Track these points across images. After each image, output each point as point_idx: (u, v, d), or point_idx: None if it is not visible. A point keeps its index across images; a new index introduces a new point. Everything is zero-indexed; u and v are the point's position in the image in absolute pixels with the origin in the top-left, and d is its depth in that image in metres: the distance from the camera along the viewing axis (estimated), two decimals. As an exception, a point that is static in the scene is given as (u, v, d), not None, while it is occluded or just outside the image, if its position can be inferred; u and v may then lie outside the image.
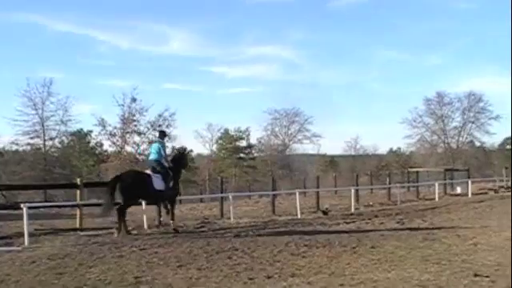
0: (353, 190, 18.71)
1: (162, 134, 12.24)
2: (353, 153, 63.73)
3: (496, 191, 25.50)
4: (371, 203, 20.28)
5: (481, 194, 24.94)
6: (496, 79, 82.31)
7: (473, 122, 53.28)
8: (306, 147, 59.28)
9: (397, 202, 20.24)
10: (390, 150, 68.78)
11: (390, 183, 23.91)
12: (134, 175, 10.95)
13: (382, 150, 67.73)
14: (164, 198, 11.24)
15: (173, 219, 11.37)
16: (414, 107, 54.66)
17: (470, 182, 24.57)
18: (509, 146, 68.20)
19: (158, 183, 10.89)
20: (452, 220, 12.58)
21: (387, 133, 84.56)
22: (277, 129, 58.25)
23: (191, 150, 14.97)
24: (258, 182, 49.56)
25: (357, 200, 20.22)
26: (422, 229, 10.95)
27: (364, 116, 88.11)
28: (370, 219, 13.58)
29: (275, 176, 36.12)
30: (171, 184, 11.18)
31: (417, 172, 28.48)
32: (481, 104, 53.01)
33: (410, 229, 10.94)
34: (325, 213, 16.15)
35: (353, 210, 17.30)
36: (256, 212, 17.59)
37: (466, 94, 53.27)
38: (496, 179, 30.60)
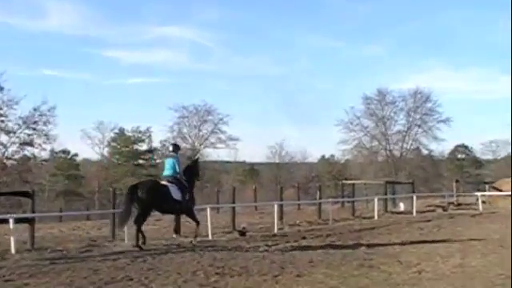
0: (276, 206, 19.14)
1: (176, 148, 14.21)
2: (277, 160, 65.02)
3: (445, 209, 27.43)
4: (298, 222, 20.92)
5: (427, 211, 26.74)
6: (446, 75, 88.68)
7: (419, 126, 56.68)
8: (220, 153, 59.90)
9: (329, 220, 21.06)
10: (322, 158, 71.18)
11: (320, 198, 24.82)
12: (152, 184, 13.23)
13: (313, 157, 69.84)
14: (182, 209, 13.58)
15: (196, 236, 13.82)
16: (350, 107, 57.08)
17: (415, 198, 26.17)
18: (460, 155, 73.87)
19: (175, 193, 13.13)
20: (393, 243, 13.41)
21: (319, 137, 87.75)
22: (185, 130, 58.20)
23: (197, 158, 17.49)
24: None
25: (281, 218, 20.71)
26: (357, 253, 11.56)
27: (291, 116, 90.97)
28: (296, 241, 14.08)
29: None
30: (187, 196, 13.45)
31: (353, 185, 29.92)
32: (428, 104, 56.43)
33: (344, 253, 11.50)
34: (242, 233, 16.39)
35: (276, 230, 17.72)
36: (157, 232, 17.54)
37: (412, 92, 56.49)
38: (445, 194, 32.94)
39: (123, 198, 12.83)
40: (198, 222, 13.81)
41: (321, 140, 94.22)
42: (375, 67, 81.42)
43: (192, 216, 13.80)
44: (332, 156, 68.56)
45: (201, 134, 58.24)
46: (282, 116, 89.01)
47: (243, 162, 63.88)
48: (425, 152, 59.07)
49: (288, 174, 62.55)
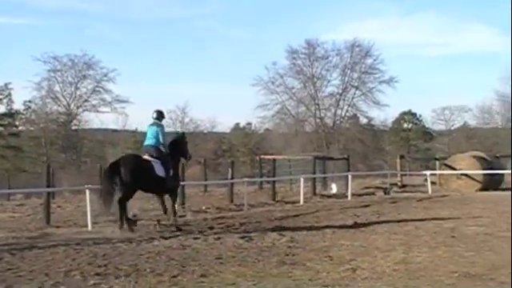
0: (177, 187, 19.11)
1: (160, 115, 15.40)
2: (179, 129, 64.59)
3: (386, 191, 28.45)
4: (204, 208, 21.00)
5: (365, 194, 27.65)
6: (392, 23, 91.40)
7: (357, 88, 58.22)
8: (104, 118, 59.03)
9: (243, 206, 21.24)
10: (236, 127, 71.62)
11: (233, 177, 24.96)
12: (134, 160, 14.61)
13: (224, 126, 70.27)
14: (165, 187, 14.82)
15: (175, 214, 15.22)
16: (272, 62, 57.65)
17: (350, 178, 26.92)
18: (407, 125, 76.67)
19: (158, 169, 14.47)
20: (323, 234, 13.70)
21: (232, 100, 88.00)
22: (57, 87, 56.75)
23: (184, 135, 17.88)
24: (26, 173, 47.72)
25: (182, 203, 20.73)
26: (278, 247, 11.73)
27: (196, 73, 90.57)
28: (201, 232, 14.13)
29: (53, 163, 35.14)
30: (171, 173, 14.82)
31: (274, 161, 30.30)
32: (368, 61, 58.04)
33: (261, 248, 11.65)
34: (132, 222, 16.25)
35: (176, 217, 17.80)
36: (19, 222, 17.15)
37: (349, 45, 57.73)
38: (387, 173, 34.16)
39: (103, 176, 14.71)
40: (175, 208, 15.44)
41: (234, 104, 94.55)
42: (304, 12, 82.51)
43: (174, 196, 15.45)
44: (248, 125, 69.30)
45: (78, 93, 57.12)
46: (184, 72, 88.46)
47: (134, 131, 62.87)
48: (363, 120, 60.76)
49: (192, 146, 61.99)
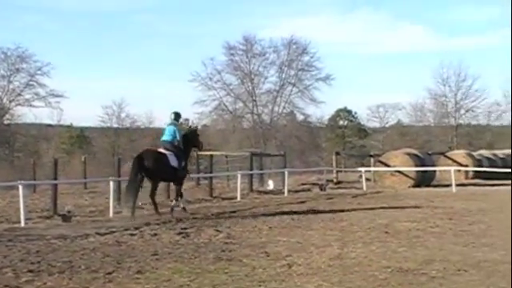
0: (112, 183, 19.00)
1: (177, 116, 18.18)
2: (115, 125, 63.91)
3: (322, 187, 28.78)
4: (141, 203, 20.85)
5: (302, 190, 27.93)
6: (329, 21, 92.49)
7: (294, 85, 58.66)
8: (38, 113, 57.64)
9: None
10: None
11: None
12: (154, 154, 17.26)
13: (161, 121, 69.37)
14: (177, 176, 17.44)
15: (181, 197, 17.85)
16: (209, 58, 57.51)
17: (286, 174, 27.18)
18: (342, 122, 77.65)
19: (173, 160, 17.09)
20: (259, 230, 13.80)
21: (169, 95, 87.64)
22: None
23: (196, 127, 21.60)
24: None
25: (118, 199, 20.53)
26: (215, 243, 11.80)
27: (133, 68, 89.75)
28: (137, 228, 14.04)
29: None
30: (183, 164, 17.51)
31: (211, 157, 30.29)
32: (305, 58, 58.55)
33: (198, 244, 11.68)
34: (66, 218, 16.09)
35: (111, 214, 17.67)
36: None
37: (286, 42, 58.11)
38: (323, 169, 34.56)
39: (130, 169, 17.21)
40: (181, 193, 17.93)
41: (171, 99, 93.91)
42: (241, 8, 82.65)
43: (180, 185, 17.87)
44: (186, 120, 68.65)
45: (11, 87, 55.64)
46: (121, 67, 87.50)
47: (69, 126, 61.93)
48: (300, 117, 61.25)
49: (129, 142, 61.85)
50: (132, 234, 13.03)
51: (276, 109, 58.03)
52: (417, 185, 30.02)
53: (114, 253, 10.54)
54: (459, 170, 33.40)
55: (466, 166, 35.42)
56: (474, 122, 69.98)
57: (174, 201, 17.86)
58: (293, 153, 52.33)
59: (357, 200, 22.30)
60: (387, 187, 29.61)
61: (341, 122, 76.09)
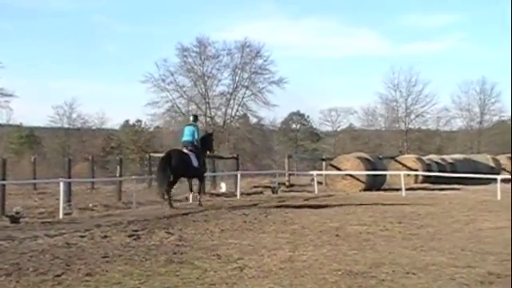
0: (62, 184, 18.80)
1: (196, 118, 21.51)
2: (65, 125, 63.11)
3: (274, 190, 28.91)
4: (91, 205, 20.68)
5: (254, 193, 28.00)
6: (282, 24, 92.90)
7: (247, 87, 58.73)
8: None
9: (131, 204, 21.19)
10: (125, 124, 70.73)
11: (121, 175, 24.65)
12: (180, 154, 19.58)
13: (113, 122, 69.25)
14: (197, 174, 20.29)
15: (200, 194, 21.23)
16: (162, 59, 57.25)
17: (239, 177, 27.21)
18: (295, 126, 78.07)
19: (194, 161, 19.63)
20: (211, 233, 13.80)
21: (121, 96, 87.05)
22: None
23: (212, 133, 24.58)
24: None
25: (69, 200, 20.34)
26: (166, 245, 11.75)
27: (85, 68, 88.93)
28: (87, 230, 13.88)
29: None
30: (201, 162, 20.12)
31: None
32: (259, 61, 58.68)
33: (149, 246, 11.62)
34: (14, 219, 15.87)
35: (61, 215, 17.47)
36: None
37: (239, 45, 58.19)
38: (276, 173, 34.70)
39: (158, 165, 19.87)
40: (201, 189, 21.48)
41: (124, 101, 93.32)
42: (195, 10, 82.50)
43: (202, 181, 21.18)
44: (138, 122, 68.53)
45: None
46: (73, 67, 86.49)
47: (19, 126, 60.96)
48: (253, 120, 61.43)
49: (79, 143, 61.21)
50: (82, 236, 12.89)
51: (229, 111, 58.03)
52: (368, 188, 30.37)
53: (63, 255, 10.39)
54: (409, 175, 33.96)
55: (416, 170, 36.01)
56: (423, 127, 71.17)
57: (197, 195, 21.18)
58: (246, 155, 52.43)
59: (309, 203, 22.44)
60: (339, 191, 29.90)
61: (293, 126, 76.65)
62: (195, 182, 21.33)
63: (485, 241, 12.42)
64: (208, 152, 21.37)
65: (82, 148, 57.74)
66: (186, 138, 20.01)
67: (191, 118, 21.44)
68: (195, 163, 19.68)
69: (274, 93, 58.01)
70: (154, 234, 13.24)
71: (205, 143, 20.57)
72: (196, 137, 19.95)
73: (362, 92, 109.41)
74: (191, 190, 21.57)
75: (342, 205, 21.44)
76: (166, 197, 19.41)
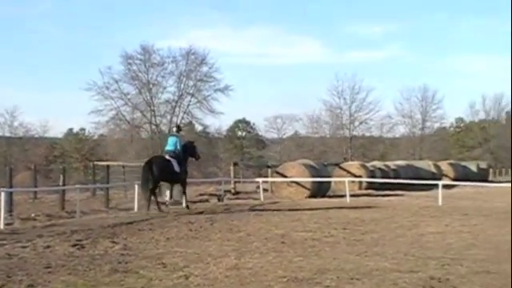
0: (3, 194, 18.39)
1: (179, 129, 23.43)
2: (7, 133, 61.88)
3: (220, 198, 28.89)
4: (34, 215, 20.32)
5: (200, 201, 27.90)
6: (227, 32, 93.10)
7: (192, 95, 58.52)
8: None
9: (75, 213, 20.79)
10: (69, 132, 69.91)
11: (65, 184, 24.26)
12: (162, 160, 21.20)
13: (56, 131, 68.37)
14: (179, 180, 21.75)
15: (186, 198, 22.36)
16: (107, 67, 56.64)
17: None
18: (241, 133, 78.25)
19: (176, 167, 21.06)
20: (156, 241, 13.73)
21: (64, 104, 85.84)
22: None
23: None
24: None
25: (10, 210, 19.96)
26: (111, 255, 11.65)
27: (27, 75, 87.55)
28: (30, 241, 13.63)
29: None
30: (183, 168, 21.52)
31: (107, 167, 29.87)
32: (204, 68, 58.58)
33: (93, 256, 11.51)
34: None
35: (2, 225, 17.22)
36: None
37: (184, 53, 58.03)
38: (222, 180, 34.65)
39: (141, 171, 21.12)
40: (185, 193, 22.50)
41: (67, 108, 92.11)
42: (141, 16, 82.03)
43: (184, 185, 22.35)
44: (82, 130, 67.79)
45: None
46: (14, 74, 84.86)
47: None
48: (199, 128, 61.31)
49: (22, 151, 60.08)
50: (24, 247, 12.66)
51: (174, 119, 57.59)
52: (313, 195, 30.56)
53: (4, 266, 10.20)
54: (353, 181, 34.31)
55: (360, 176, 36.40)
56: (367, 134, 72.22)
57: (185, 201, 22.39)
58: (191, 163, 52.10)
59: (255, 211, 22.49)
60: (284, 198, 30.00)
61: (239, 133, 76.87)
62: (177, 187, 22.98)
63: (427, 246, 12.68)
64: (194, 159, 23.20)
65: (25, 157, 56.70)
66: (169, 147, 21.54)
67: (174, 129, 23.23)
68: (177, 169, 21.06)
69: (219, 100, 58.01)
70: (98, 244, 13.10)
71: (187, 150, 21.97)
72: (178, 146, 21.43)
73: (306, 99, 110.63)
74: (171, 196, 23.21)
75: (287, 211, 21.57)
76: (151, 200, 20.81)
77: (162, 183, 23.33)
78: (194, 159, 23.22)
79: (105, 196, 25.64)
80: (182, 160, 21.51)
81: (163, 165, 20.89)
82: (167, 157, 21.29)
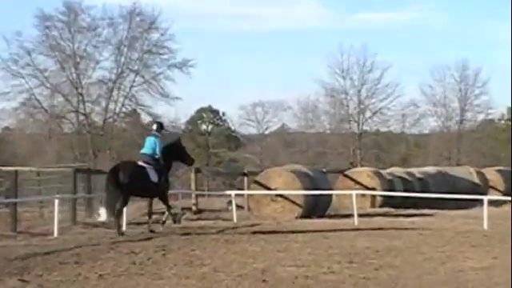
0: None
1: (160, 127, 23.38)
2: None
3: (176, 218, 28.42)
4: None
5: (147, 223, 27.80)
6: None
7: (137, 73, 59.03)
8: None
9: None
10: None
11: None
12: (133, 166, 22.00)
13: None
14: (157, 191, 22.37)
15: (170, 212, 23.18)
16: (14, 32, 56.37)
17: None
18: (205, 126, 78.21)
19: (153, 175, 21.77)
20: (85, 279, 13.69)
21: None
22: None
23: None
24: None
25: None
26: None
27: None
28: None
29: None
30: (163, 178, 22.26)
31: (16, 173, 29.62)
32: (154, 35, 59.34)
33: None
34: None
35: None
36: None
37: (126, 13, 58.17)
38: (178, 193, 34.50)
39: (105, 180, 21.76)
40: (169, 207, 23.15)
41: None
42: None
43: (165, 199, 22.98)
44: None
45: None
46: None
47: None
48: (147, 119, 61.38)
49: None
50: None
51: (112, 106, 57.50)
52: (307, 214, 30.56)
53: None
54: (364, 195, 34.42)
55: (373, 189, 36.51)
56: (383, 129, 72.31)
57: (167, 216, 23.21)
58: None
59: (224, 236, 22.50)
60: (267, 218, 29.97)
61: (204, 127, 76.77)
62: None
63: (466, 286, 12.75)
64: (186, 165, 24.85)
65: None
66: (145, 150, 22.45)
67: (154, 127, 23.48)
68: (154, 178, 21.88)
69: (175, 80, 58.05)
70: (0, 283, 13.04)
71: (171, 153, 22.78)
72: (157, 149, 22.19)
73: (298, 80, 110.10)
74: (150, 215, 23.64)
75: (270, 237, 21.61)
76: (114, 220, 21.96)
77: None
78: (185, 165, 24.76)
79: (11, 215, 25.48)
80: (162, 167, 22.26)
81: (135, 173, 21.55)
82: (140, 163, 22.01)
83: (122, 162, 24.23)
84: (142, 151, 22.61)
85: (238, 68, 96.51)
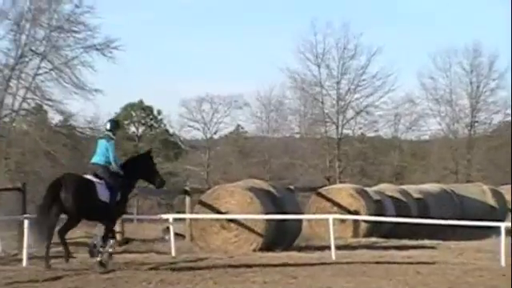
0: None
1: (115, 126, 23.02)
2: None
3: (94, 251, 28.55)
4: None
5: (59, 256, 27.73)
6: None
7: (44, 57, 58.62)
8: None
9: None
10: None
11: None
12: (77, 181, 21.65)
13: None
14: (107, 214, 21.99)
15: (112, 239, 22.87)
16: None
17: (27, 224, 26.78)
18: (135, 128, 78.42)
19: (102, 192, 21.41)
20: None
21: None
22: None
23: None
24: None
25: None
26: None
27: None
28: None
29: None
30: (118, 197, 21.83)
31: None
32: (66, 6, 59.05)
33: None
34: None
35: None
36: None
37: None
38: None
39: (41, 200, 21.68)
40: (114, 237, 23.15)
41: None
42: None
43: (112, 223, 22.85)
44: None
45: None
46: None
47: None
48: (57, 118, 62.10)
49: None
50: None
51: (9, 101, 57.27)
52: (269, 246, 30.62)
53: None
54: (343, 220, 34.55)
55: (356, 212, 36.64)
56: (370, 134, 72.58)
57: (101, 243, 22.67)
58: (41, 184, 51.98)
59: (159, 275, 22.46)
60: (216, 250, 30.02)
61: (132, 129, 76.79)
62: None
63: None
64: (154, 186, 24.20)
65: None
66: (96, 158, 22.11)
67: (107, 126, 22.87)
68: (103, 196, 21.50)
69: (94, 68, 57.79)
70: None
71: (134, 169, 22.51)
72: (111, 157, 21.82)
73: (258, 68, 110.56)
74: (104, 240, 22.82)
75: (220, 277, 21.62)
76: (45, 248, 21.99)
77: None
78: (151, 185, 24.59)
79: None
80: (118, 183, 21.88)
81: (80, 188, 21.29)
82: (89, 176, 21.88)
83: (66, 174, 23.03)
84: (92, 160, 22.25)
85: (178, 51, 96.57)
